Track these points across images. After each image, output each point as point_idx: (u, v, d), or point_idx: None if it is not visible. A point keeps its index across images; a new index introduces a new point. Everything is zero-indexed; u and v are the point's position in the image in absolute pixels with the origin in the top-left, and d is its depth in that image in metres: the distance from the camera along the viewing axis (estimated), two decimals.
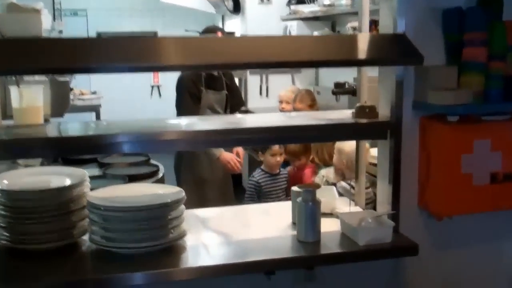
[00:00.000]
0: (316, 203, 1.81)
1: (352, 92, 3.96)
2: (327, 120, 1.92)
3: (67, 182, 1.81)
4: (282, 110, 4.57)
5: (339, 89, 3.86)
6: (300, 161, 3.71)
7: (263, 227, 1.97)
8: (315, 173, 3.55)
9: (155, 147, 1.75)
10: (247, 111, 4.11)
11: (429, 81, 1.87)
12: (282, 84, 5.66)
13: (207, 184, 3.98)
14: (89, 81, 7.47)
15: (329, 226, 1.89)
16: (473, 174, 1.89)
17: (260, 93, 6.39)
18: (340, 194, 2.63)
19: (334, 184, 2.99)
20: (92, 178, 2.94)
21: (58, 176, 1.87)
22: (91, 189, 1.88)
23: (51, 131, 1.91)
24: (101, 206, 1.71)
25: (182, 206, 1.80)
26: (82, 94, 6.58)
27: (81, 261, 1.72)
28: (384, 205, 1.94)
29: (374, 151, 2.11)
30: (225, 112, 4.01)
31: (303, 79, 6.28)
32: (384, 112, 1.91)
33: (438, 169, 1.91)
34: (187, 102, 3.83)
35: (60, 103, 3.86)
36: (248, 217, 2.13)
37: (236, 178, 5.01)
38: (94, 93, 6.79)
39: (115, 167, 3.16)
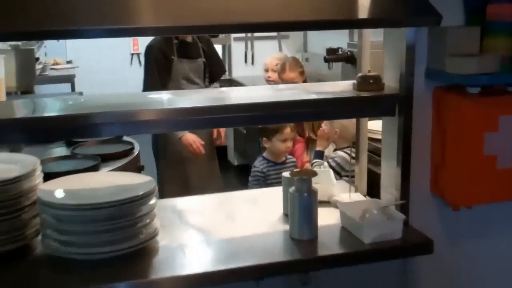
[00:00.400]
0: (313, 194, 1.55)
1: (346, 59, 3.69)
2: (328, 93, 1.64)
3: (14, 173, 1.52)
4: (268, 79, 4.27)
5: (332, 55, 3.58)
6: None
7: (250, 220, 1.72)
8: (307, 148, 3.28)
9: (146, 129, 1.55)
10: (230, 80, 3.77)
11: (447, 46, 1.64)
12: (268, 51, 5.38)
13: (189, 160, 3.66)
14: (64, 49, 7.09)
15: (326, 218, 1.65)
16: (498, 156, 1.68)
17: (245, 61, 6.12)
18: (337, 164, 2.42)
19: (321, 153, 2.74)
20: (60, 159, 2.70)
21: (4, 165, 1.58)
22: (60, 173, 1.67)
23: (18, 109, 1.61)
24: (53, 203, 1.44)
25: (154, 199, 1.53)
26: (56, 63, 6.20)
27: (34, 269, 1.45)
28: (389, 191, 1.69)
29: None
30: (204, 82, 3.68)
31: (291, 44, 6.01)
32: (390, 83, 1.66)
33: (456, 150, 1.68)
34: (152, 74, 3.49)
35: (25, 74, 3.52)
36: (233, 208, 1.87)
37: (222, 152, 4.74)
38: (69, 62, 6.42)
39: (85, 146, 2.88)
